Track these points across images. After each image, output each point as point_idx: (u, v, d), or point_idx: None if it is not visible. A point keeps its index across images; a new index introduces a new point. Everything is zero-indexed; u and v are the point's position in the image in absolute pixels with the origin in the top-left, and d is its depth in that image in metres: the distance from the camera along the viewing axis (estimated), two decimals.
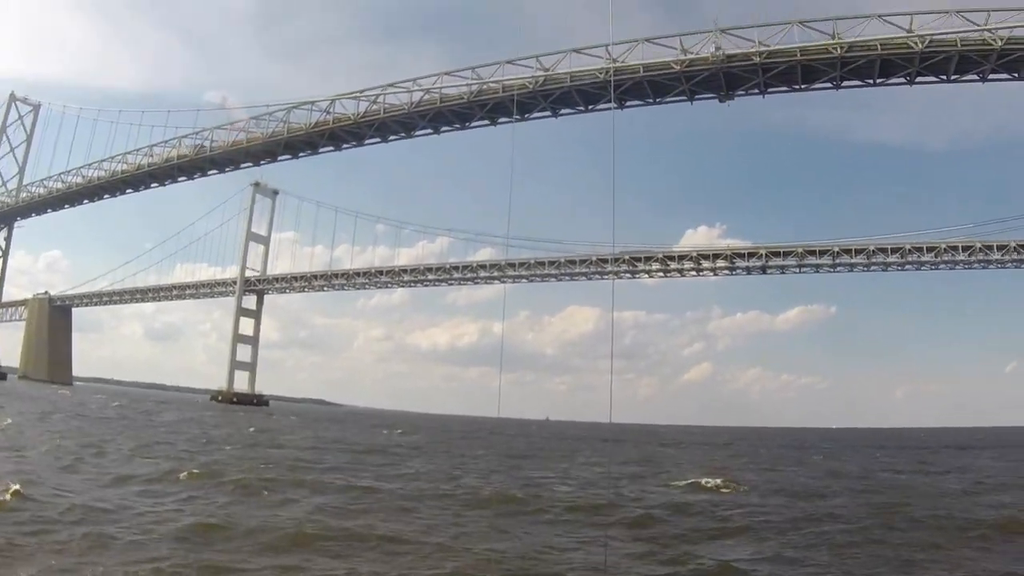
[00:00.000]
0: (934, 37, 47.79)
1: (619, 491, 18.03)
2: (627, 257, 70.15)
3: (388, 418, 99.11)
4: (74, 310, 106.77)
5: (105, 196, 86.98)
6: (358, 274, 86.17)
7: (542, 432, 68.82)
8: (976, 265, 60.57)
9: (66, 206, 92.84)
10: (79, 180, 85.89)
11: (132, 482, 14.68)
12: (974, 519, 14.09)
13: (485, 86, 53.76)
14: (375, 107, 58.86)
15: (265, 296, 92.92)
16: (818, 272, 66.66)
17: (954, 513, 14.86)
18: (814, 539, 11.92)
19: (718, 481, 19.90)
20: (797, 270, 67.00)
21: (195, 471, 16.25)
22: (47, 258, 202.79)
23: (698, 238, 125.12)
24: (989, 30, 46.68)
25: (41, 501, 11.25)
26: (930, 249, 60.98)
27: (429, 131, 58.05)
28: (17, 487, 11.54)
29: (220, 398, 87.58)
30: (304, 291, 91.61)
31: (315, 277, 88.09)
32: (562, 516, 13.59)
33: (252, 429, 38.53)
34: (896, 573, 9.86)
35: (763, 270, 66.43)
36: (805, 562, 10.31)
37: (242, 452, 23.74)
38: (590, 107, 52.77)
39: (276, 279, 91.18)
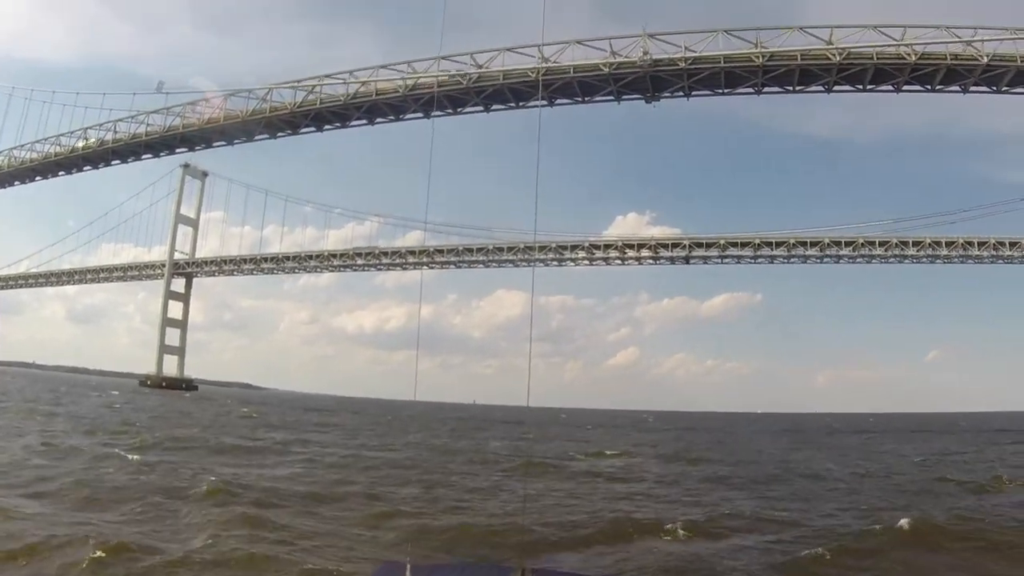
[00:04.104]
0: (852, 50, 49.99)
1: None
2: (554, 245, 71.04)
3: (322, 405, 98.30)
4: None
5: (37, 178, 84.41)
6: (287, 258, 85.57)
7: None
8: (892, 260, 62.93)
9: None
10: (9, 161, 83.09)
11: None
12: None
13: (420, 81, 54.19)
14: (311, 97, 58.70)
15: (193, 279, 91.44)
16: (739, 263, 68.31)
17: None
18: None
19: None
20: (719, 261, 68.53)
21: None
22: None
23: (627, 223, 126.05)
24: (905, 45, 49.09)
25: None
26: (848, 243, 63.18)
27: (364, 122, 58.22)
28: None
29: (149, 383, 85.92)
30: (233, 274, 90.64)
31: (244, 261, 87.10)
32: None
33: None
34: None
35: (686, 260, 68.01)
36: None
37: None
38: (521, 104, 53.67)
39: (205, 262, 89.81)
